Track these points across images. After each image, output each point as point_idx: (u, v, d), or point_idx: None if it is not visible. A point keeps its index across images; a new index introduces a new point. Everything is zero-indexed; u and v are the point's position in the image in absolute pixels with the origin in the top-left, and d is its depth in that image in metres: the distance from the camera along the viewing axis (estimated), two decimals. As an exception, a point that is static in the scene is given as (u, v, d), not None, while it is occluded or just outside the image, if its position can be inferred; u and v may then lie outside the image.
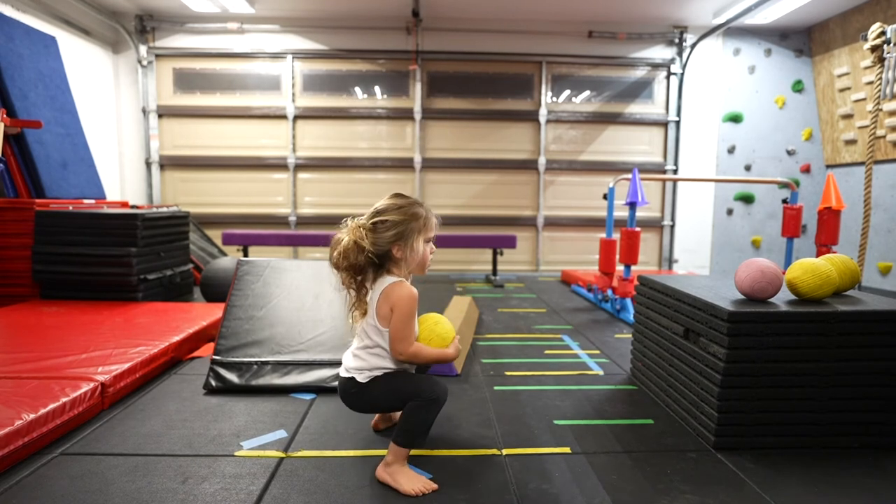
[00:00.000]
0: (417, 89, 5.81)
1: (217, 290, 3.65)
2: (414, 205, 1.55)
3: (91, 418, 1.91)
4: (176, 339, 2.56)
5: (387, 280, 1.53)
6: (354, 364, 1.57)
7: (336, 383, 2.18)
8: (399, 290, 1.50)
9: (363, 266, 1.51)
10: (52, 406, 1.73)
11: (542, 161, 5.98)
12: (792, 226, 4.00)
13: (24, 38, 4.01)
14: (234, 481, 1.52)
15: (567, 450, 1.74)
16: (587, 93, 6.01)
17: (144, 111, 5.70)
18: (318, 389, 2.19)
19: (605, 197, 4.00)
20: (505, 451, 1.72)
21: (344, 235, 1.51)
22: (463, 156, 5.95)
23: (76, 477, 1.52)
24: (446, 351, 1.57)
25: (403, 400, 1.52)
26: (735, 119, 5.92)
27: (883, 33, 3.20)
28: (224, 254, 5.23)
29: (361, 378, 1.55)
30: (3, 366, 2.08)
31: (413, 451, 1.68)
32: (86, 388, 1.90)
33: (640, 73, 5.99)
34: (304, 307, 2.48)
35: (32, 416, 1.65)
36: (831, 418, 1.75)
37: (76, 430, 1.82)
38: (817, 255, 3.54)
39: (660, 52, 5.91)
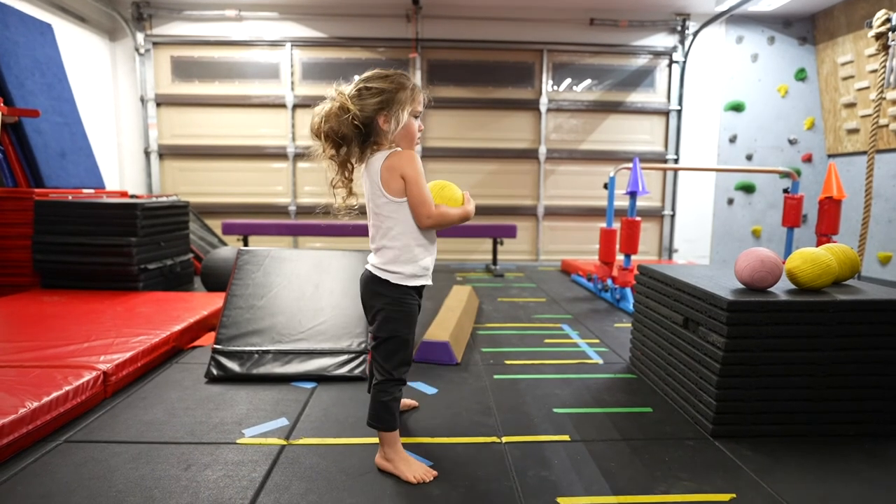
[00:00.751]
0: (417, 78, 5.77)
1: (217, 279, 3.65)
2: (401, 75, 1.46)
3: (94, 406, 1.93)
4: (177, 328, 2.57)
5: (383, 153, 1.44)
6: (383, 258, 1.48)
7: (337, 372, 2.21)
8: (401, 157, 1.42)
9: (347, 135, 1.41)
10: (55, 394, 1.74)
11: (542, 150, 5.96)
12: (793, 215, 3.99)
13: (20, 25, 3.97)
14: (236, 468, 1.53)
15: (566, 437, 1.75)
16: (588, 81, 5.96)
17: (142, 100, 5.66)
18: (319, 378, 2.21)
19: (605, 186, 3.99)
20: (505, 439, 1.74)
21: (327, 104, 1.43)
22: (463, 145, 5.93)
23: (80, 464, 1.54)
24: (467, 208, 1.53)
25: (388, 347, 1.48)
26: (737, 108, 5.89)
27: (888, 20, 3.16)
28: (224, 243, 5.23)
29: (385, 276, 1.46)
30: (6, 355, 2.09)
31: (414, 439, 1.70)
32: (88, 376, 1.91)
33: (641, 61, 5.94)
34: (305, 296, 2.49)
35: (36, 404, 1.66)
36: (829, 407, 1.76)
37: (79, 418, 1.84)
38: (817, 245, 3.54)
39: (662, 40, 5.86)
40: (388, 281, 1.48)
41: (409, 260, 1.48)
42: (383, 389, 1.50)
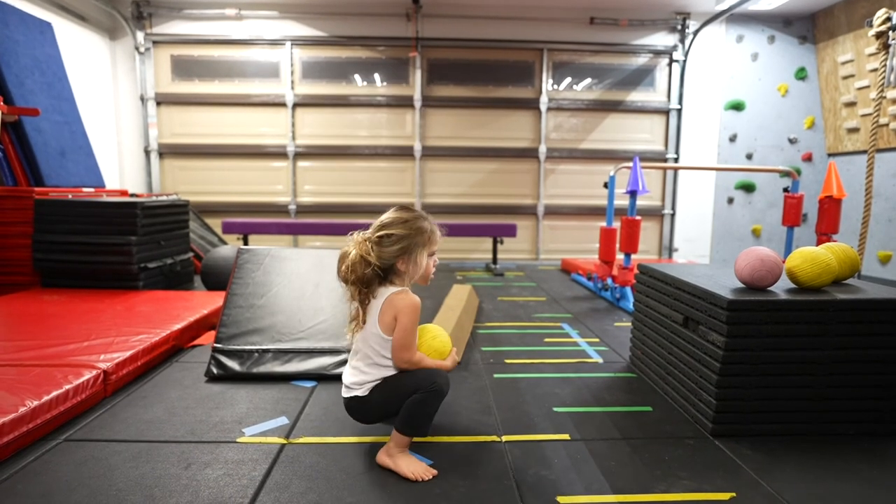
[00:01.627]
0: (417, 77, 5.77)
1: (217, 278, 3.65)
2: (419, 219, 1.55)
3: (94, 405, 1.93)
4: (177, 327, 2.57)
5: (389, 290, 1.53)
6: (355, 378, 1.56)
7: (337, 371, 2.21)
8: (403, 300, 1.52)
9: (370, 279, 1.51)
10: (55, 393, 1.74)
11: (542, 149, 5.96)
12: (793, 215, 3.99)
13: (20, 24, 3.97)
14: (237, 467, 1.53)
15: (566, 436, 1.75)
16: (588, 80, 5.96)
17: (142, 99, 5.66)
18: (319, 377, 2.21)
19: (605, 185, 3.99)
20: (504, 438, 1.74)
21: (351, 249, 1.52)
22: (463, 144, 5.93)
23: (80, 463, 1.54)
24: (444, 363, 1.60)
25: (407, 398, 1.52)
26: (737, 107, 5.88)
27: (888, 19, 3.16)
28: (224, 242, 5.23)
29: (362, 392, 1.55)
30: (6, 353, 2.09)
31: (415, 438, 1.70)
32: (88, 375, 1.91)
33: (641, 60, 5.94)
34: (305, 295, 2.49)
35: (36, 402, 1.66)
36: (829, 406, 1.76)
37: (79, 416, 1.84)
38: (817, 244, 3.54)
39: (662, 39, 5.86)
40: (362, 396, 1.55)
41: (381, 377, 1.56)
42: (420, 400, 1.50)
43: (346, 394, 1.59)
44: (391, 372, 1.56)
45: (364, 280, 1.51)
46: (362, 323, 1.55)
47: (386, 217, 1.56)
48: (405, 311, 1.51)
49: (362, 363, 1.56)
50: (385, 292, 1.53)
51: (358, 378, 1.56)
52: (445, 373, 1.57)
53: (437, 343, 1.62)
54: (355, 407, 1.58)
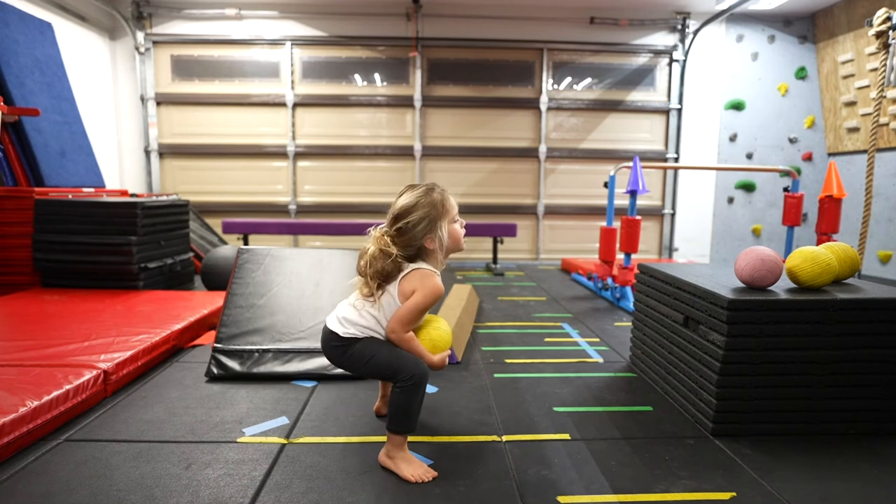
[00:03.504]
0: (417, 76, 5.77)
1: (218, 278, 3.65)
2: (428, 193, 1.54)
3: (94, 405, 1.93)
4: (177, 327, 2.57)
5: (421, 265, 1.52)
6: (348, 314, 1.55)
7: (337, 371, 2.21)
8: (429, 279, 1.50)
9: (391, 272, 1.51)
10: (55, 393, 1.74)
11: (542, 149, 5.95)
12: (793, 214, 3.99)
13: (19, 23, 3.97)
14: (237, 467, 1.53)
15: (566, 436, 1.75)
16: (588, 80, 5.96)
17: (143, 99, 5.66)
18: (320, 377, 2.21)
19: (605, 185, 3.98)
20: (505, 438, 1.74)
21: (370, 245, 1.52)
22: (463, 144, 5.93)
23: (81, 463, 1.54)
24: (431, 356, 1.55)
25: (379, 372, 1.52)
26: (737, 107, 5.88)
27: (888, 19, 3.16)
28: (224, 242, 5.23)
29: (341, 331, 1.53)
30: (6, 353, 2.09)
31: (414, 438, 1.70)
32: (88, 375, 1.91)
33: (641, 59, 5.94)
34: (305, 295, 2.49)
35: (36, 403, 1.66)
36: (829, 405, 1.76)
37: (80, 417, 1.84)
38: (818, 244, 3.54)
39: (662, 39, 5.86)
40: (339, 334, 1.53)
41: (365, 333, 1.54)
42: (403, 391, 1.49)
43: (330, 324, 1.57)
44: (380, 331, 1.53)
45: (383, 273, 1.51)
46: (368, 296, 1.54)
47: (397, 206, 1.54)
48: (425, 290, 1.48)
49: (363, 307, 1.53)
50: (415, 266, 1.52)
51: (350, 315, 1.54)
52: (424, 364, 1.53)
53: (436, 334, 1.58)
54: (331, 343, 1.56)
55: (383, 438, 1.66)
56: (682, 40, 5.82)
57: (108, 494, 1.38)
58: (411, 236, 1.50)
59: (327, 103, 5.81)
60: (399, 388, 1.49)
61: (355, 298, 1.58)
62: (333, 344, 1.56)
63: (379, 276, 1.51)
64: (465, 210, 5.94)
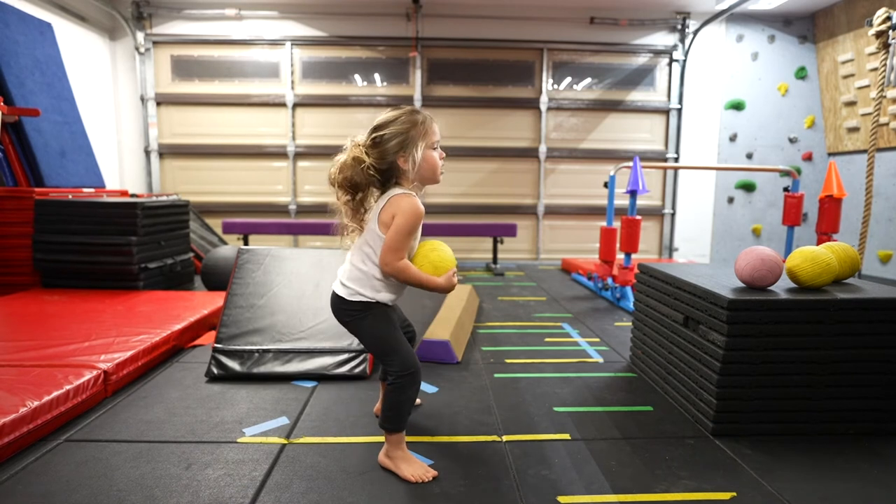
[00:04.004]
0: (417, 76, 5.77)
1: (218, 278, 3.65)
2: (412, 112, 1.51)
3: (94, 406, 1.93)
4: (177, 327, 2.57)
5: (395, 191, 1.49)
6: (346, 273, 1.53)
7: (337, 371, 2.21)
8: (405, 200, 1.45)
9: (360, 183, 1.47)
10: (55, 394, 1.74)
11: (542, 149, 5.95)
12: (793, 214, 3.99)
13: (20, 24, 3.97)
14: (237, 467, 1.53)
15: (567, 436, 1.75)
16: (588, 80, 5.96)
17: (143, 99, 5.66)
18: (320, 377, 2.21)
19: (605, 185, 3.98)
20: (505, 438, 1.74)
21: (343, 154, 1.49)
22: (463, 144, 5.92)
23: (81, 463, 1.54)
24: (436, 279, 1.48)
25: (377, 347, 1.52)
26: (737, 106, 5.88)
27: (888, 19, 3.16)
28: (224, 242, 5.23)
29: (346, 294, 1.51)
30: (7, 354, 2.09)
31: (414, 438, 1.70)
32: (88, 375, 1.91)
33: (641, 59, 5.94)
34: (305, 295, 2.49)
35: (37, 403, 1.66)
36: (829, 405, 1.76)
37: (80, 417, 1.84)
38: (818, 244, 3.54)
39: (662, 39, 5.86)
40: (345, 298, 1.52)
41: (368, 287, 1.51)
42: (395, 388, 1.49)
43: (335, 287, 1.56)
44: (380, 275, 1.49)
45: (353, 183, 1.47)
46: (359, 231, 1.53)
47: (379, 119, 1.51)
48: (403, 211, 1.44)
49: (358, 259, 1.52)
50: (390, 193, 1.48)
51: (351, 273, 1.52)
52: (417, 362, 1.51)
53: (435, 256, 1.49)
54: (338, 307, 1.55)
55: (383, 439, 1.66)
56: (682, 40, 5.82)
57: (109, 495, 1.38)
58: (384, 149, 1.46)
59: (327, 103, 5.81)
60: (391, 384, 1.50)
61: (348, 257, 1.56)
62: (342, 308, 1.54)
63: (348, 183, 1.47)
64: (466, 210, 5.95)
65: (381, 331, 1.52)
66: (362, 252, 1.51)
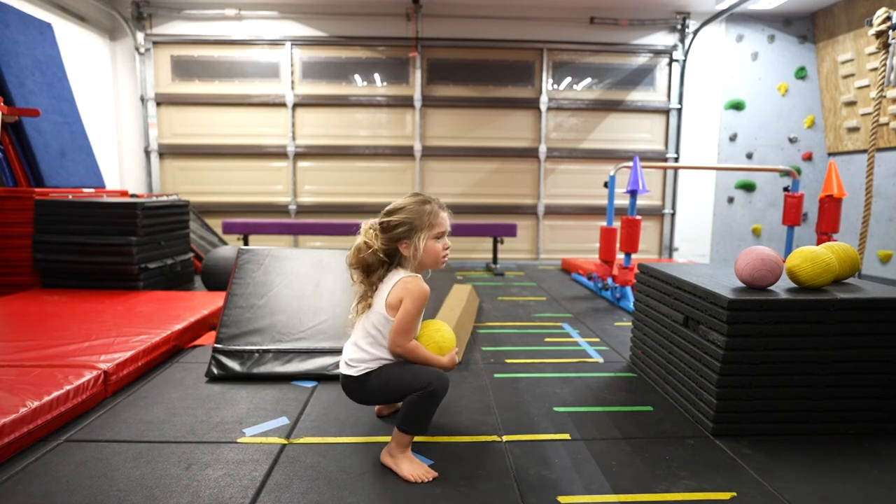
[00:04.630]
0: (417, 77, 5.77)
1: (218, 278, 3.65)
2: (423, 203, 1.57)
3: (94, 406, 1.93)
4: (177, 327, 2.57)
5: (400, 273, 1.56)
6: (353, 355, 1.58)
7: (337, 371, 2.21)
8: (412, 284, 1.53)
9: (373, 264, 1.57)
10: (55, 394, 1.74)
11: (542, 149, 5.95)
12: (793, 214, 3.99)
13: (20, 24, 3.97)
14: (237, 467, 1.53)
15: (567, 436, 1.75)
16: (588, 80, 5.96)
17: (143, 99, 5.66)
18: (320, 377, 2.21)
19: (605, 185, 3.99)
20: (505, 438, 1.74)
21: (359, 236, 1.58)
22: (463, 144, 5.93)
23: (81, 463, 1.54)
24: (440, 358, 1.58)
25: (401, 392, 1.52)
26: (737, 106, 5.88)
27: (888, 19, 3.16)
28: (224, 242, 5.23)
29: (356, 373, 1.56)
30: (7, 354, 2.09)
31: (415, 438, 1.70)
32: (89, 376, 1.91)
33: (641, 59, 5.94)
34: (305, 295, 2.49)
35: (37, 403, 1.66)
36: (829, 405, 1.76)
37: (80, 417, 1.84)
38: (818, 244, 3.54)
39: (662, 39, 5.86)
40: (356, 377, 1.56)
41: (375, 364, 1.56)
42: (421, 397, 1.49)
43: (343, 370, 1.60)
44: (388, 356, 1.56)
45: (364, 264, 1.57)
46: (366, 307, 1.58)
47: (391, 205, 1.59)
48: (411, 295, 1.52)
49: (363, 340, 1.57)
50: (396, 275, 1.56)
51: (357, 355, 1.57)
52: (443, 373, 1.55)
53: (439, 336, 1.60)
54: (350, 386, 1.60)
55: (384, 439, 1.66)
56: (682, 40, 5.82)
57: (109, 495, 1.38)
58: (390, 235, 1.55)
59: (327, 103, 5.81)
60: (417, 395, 1.49)
61: (353, 338, 1.61)
62: (353, 387, 1.59)
63: (360, 265, 1.57)
64: (466, 210, 5.95)
65: (389, 376, 1.54)
66: (370, 336, 1.56)
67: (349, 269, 1.61)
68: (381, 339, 1.56)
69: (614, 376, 2.34)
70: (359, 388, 1.58)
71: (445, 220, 1.60)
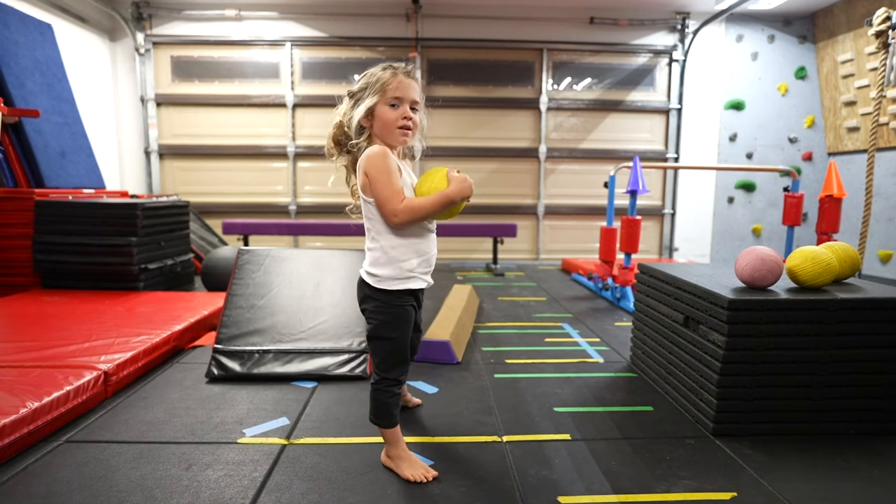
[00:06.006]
0: (417, 77, 5.76)
1: (218, 279, 3.65)
2: (385, 68, 1.47)
3: (94, 406, 1.93)
4: (177, 327, 2.57)
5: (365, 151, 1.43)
6: (368, 259, 1.49)
7: (338, 371, 2.22)
8: (367, 155, 1.39)
9: (341, 140, 1.51)
10: (56, 394, 1.74)
11: (542, 149, 5.95)
12: (793, 214, 3.99)
13: (20, 25, 3.97)
14: (237, 468, 1.53)
15: (567, 436, 1.75)
16: (588, 80, 5.96)
17: (143, 100, 5.66)
18: (320, 377, 2.21)
19: (605, 185, 3.99)
20: (505, 438, 1.74)
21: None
22: (463, 144, 5.92)
23: (81, 464, 1.54)
24: (445, 191, 1.37)
25: (369, 334, 1.49)
26: (737, 106, 5.88)
27: (888, 18, 3.16)
28: (224, 243, 5.23)
29: (373, 281, 1.45)
30: (7, 355, 2.09)
31: (415, 438, 1.70)
32: (89, 376, 1.91)
33: (641, 59, 5.94)
34: (305, 296, 2.49)
35: (37, 404, 1.66)
36: (829, 405, 1.76)
37: (80, 418, 1.84)
38: (818, 243, 3.54)
39: (662, 39, 5.86)
40: (370, 284, 1.47)
41: (389, 262, 1.44)
42: (378, 388, 1.51)
43: (360, 273, 1.52)
44: (395, 241, 1.43)
45: (335, 140, 1.52)
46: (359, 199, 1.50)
47: None
48: (368, 162, 1.38)
49: (368, 241, 1.48)
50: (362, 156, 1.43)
51: (370, 258, 1.48)
52: (397, 372, 1.49)
53: (431, 179, 1.41)
54: (360, 288, 1.52)
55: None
56: (682, 40, 5.82)
57: (109, 495, 1.38)
58: (354, 104, 1.47)
59: (327, 104, 5.80)
60: (374, 387, 1.51)
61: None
62: (365, 294, 1.49)
63: (332, 140, 1.52)
64: (465, 210, 5.90)
65: (387, 331, 1.47)
66: (369, 232, 1.47)
67: (329, 156, 1.53)
68: (377, 226, 1.43)
69: (614, 376, 2.34)
70: (366, 298, 1.49)
71: (406, 86, 1.43)
